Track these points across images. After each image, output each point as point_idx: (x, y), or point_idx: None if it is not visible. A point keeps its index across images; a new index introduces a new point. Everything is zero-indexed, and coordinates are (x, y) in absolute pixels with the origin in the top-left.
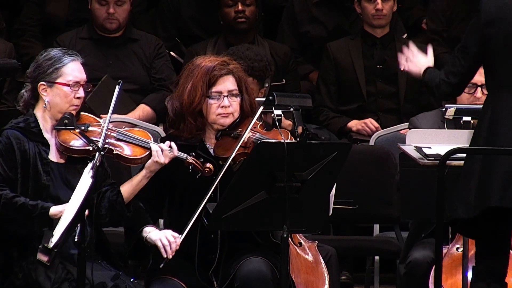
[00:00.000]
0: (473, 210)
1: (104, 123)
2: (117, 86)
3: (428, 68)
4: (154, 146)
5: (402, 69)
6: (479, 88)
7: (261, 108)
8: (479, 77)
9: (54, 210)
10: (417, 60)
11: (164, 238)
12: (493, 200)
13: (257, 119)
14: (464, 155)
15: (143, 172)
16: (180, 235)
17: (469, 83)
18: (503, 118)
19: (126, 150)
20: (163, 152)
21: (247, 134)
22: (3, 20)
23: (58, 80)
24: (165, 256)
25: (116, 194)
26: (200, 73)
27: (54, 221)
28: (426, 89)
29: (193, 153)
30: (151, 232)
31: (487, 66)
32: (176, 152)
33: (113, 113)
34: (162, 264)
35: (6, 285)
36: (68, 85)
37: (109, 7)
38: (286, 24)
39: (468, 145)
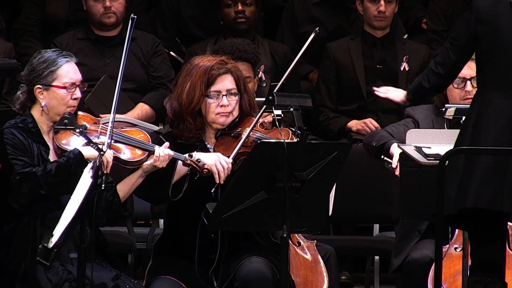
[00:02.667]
0: (452, 207)
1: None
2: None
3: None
4: (158, 151)
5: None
6: (468, 82)
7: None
8: (468, 70)
9: (86, 153)
10: (392, 90)
11: (219, 164)
12: (469, 201)
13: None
14: None
15: (138, 172)
16: (230, 159)
17: (456, 76)
18: (487, 117)
19: (125, 153)
20: (163, 157)
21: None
22: (3, 20)
23: (54, 83)
24: (217, 182)
25: (112, 194)
26: (198, 72)
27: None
28: (416, 95)
29: (191, 154)
30: (198, 153)
31: (478, 63)
32: (173, 154)
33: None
34: (213, 189)
35: None
36: (64, 87)
37: (105, 1)
38: (286, 24)
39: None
